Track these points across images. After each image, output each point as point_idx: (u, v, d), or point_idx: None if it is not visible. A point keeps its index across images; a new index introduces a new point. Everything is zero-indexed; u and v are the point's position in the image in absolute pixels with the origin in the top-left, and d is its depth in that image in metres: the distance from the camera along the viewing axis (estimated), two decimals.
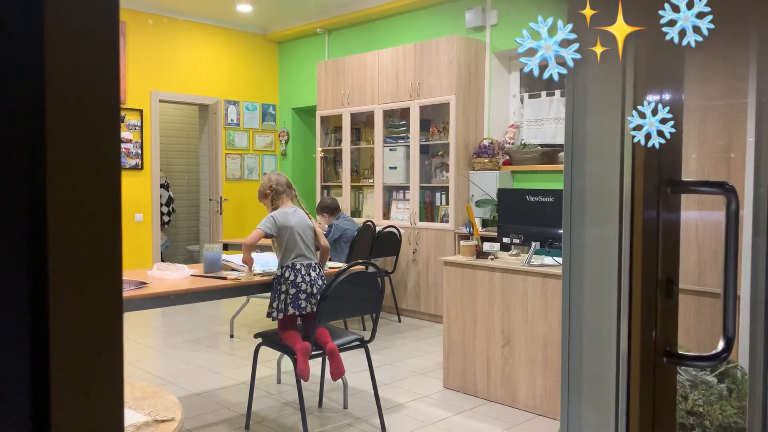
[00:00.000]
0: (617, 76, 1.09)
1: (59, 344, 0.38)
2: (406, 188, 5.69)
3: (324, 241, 3.11)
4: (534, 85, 5.44)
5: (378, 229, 5.18)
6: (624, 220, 1.14)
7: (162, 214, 7.17)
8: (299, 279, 2.97)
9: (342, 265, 3.50)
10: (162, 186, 7.09)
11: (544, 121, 5.28)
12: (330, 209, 4.98)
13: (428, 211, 5.56)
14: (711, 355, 1.19)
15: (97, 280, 0.39)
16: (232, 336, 4.88)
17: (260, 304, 5.69)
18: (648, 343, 1.15)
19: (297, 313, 2.95)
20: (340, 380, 3.47)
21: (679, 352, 1.21)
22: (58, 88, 0.36)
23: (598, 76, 1.08)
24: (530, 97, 5.39)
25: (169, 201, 7.40)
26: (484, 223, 5.22)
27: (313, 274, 3.01)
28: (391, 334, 4.92)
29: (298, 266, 2.99)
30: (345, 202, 6.14)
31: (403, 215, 5.69)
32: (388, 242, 5.26)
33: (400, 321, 5.38)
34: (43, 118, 0.36)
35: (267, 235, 3.01)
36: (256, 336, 3.09)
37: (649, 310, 1.14)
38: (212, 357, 4.38)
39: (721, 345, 1.21)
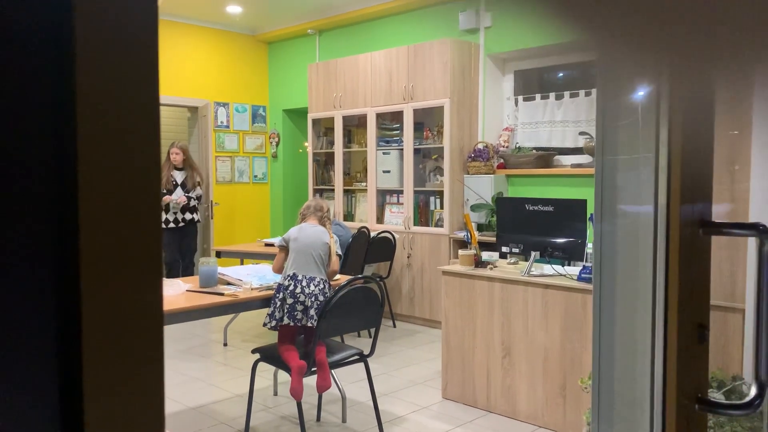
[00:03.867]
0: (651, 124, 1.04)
1: (91, 355, 0.37)
2: (399, 192, 5.65)
3: (334, 264, 3.11)
4: (528, 87, 5.41)
5: (372, 234, 5.12)
6: (658, 265, 1.09)
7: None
8: (298, 290, 2.94)
9: (337, 278, 3.45)
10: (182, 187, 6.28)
11: (539, 125, 5.25)
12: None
13: (422, 216, 5.53)
14: (745, 404, 1.15)
15: (135, 292, 0.38)
16: (225, 344, 4.81)
17: (254, 311, 5.62)
18: (681, 390, 1.11)
19: (291, 323, 2.91)
20: (338, 392, 3.42)
21: (712, 398, 1.17)
22: (90, 91, 0.36)
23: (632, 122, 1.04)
24: (525, 99, 5.35)
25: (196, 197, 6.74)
26: (480, 228, 5.19)
27: (313, 287, 2.97)
28: (386, 341, 4.88)
29: (299, 277, 2.97)
30: (338, 205, 6.08)
31: (397, 219, 5.64)
32: (383, 247, 5.22)
33: (395, 326, 5.34)
34: (75, 125, 0.36)
35: (281, 247, 3.08)
36: (253, 351, 3.03)
37: (683, 357, 1.10)
38: (206, 367, 4.31)
39: (753, 391, 1.17)
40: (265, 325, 3.01)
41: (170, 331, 5.21)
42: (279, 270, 3.08)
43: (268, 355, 3.02)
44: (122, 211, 0.37)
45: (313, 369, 2.87)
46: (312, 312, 2.90)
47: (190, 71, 6.76)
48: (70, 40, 0.35)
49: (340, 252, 3.25)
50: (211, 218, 6.71)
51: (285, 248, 3.08)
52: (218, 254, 5.18)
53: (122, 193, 0.36)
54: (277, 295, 2.97)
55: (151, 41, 0.38)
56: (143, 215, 0.37)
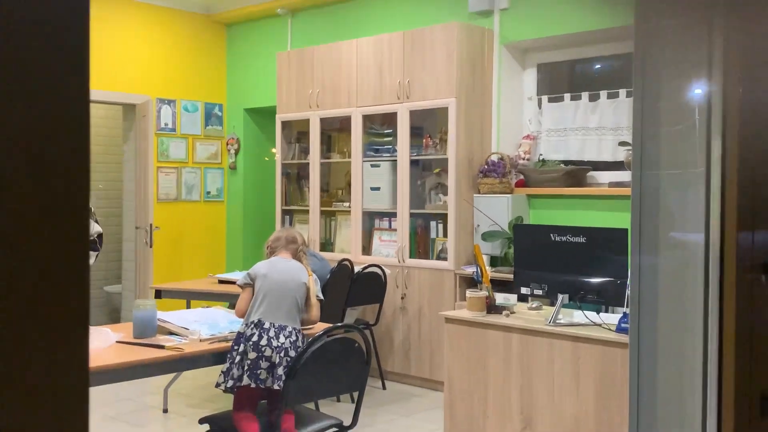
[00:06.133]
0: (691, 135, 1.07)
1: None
2: (392, 215, 5.67)
3: (314, 314, 3.14)
4: (555, 85, 5.48)
5: (356, 268, 5.13)
6: (710, 313, 1.11)
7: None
8: (264, 341, 2.95)
9: (313, 327, 3.45)
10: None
11: (568, 132, 5.32)
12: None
13: (421, 246, 5.54)
14: None
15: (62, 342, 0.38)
16: (166, 411, 4.78)
17: (204, 368, 5.59)
18: None
19: (253, 384, 2.91)
20: None
21: None
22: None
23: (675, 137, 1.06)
24: (550, 100, 5.43)
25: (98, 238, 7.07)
26: (493, 261, 5.21)
27: (283, 339, 2.98)
28: (373, 407, 4.86)
29: (266, 325, 2.98)
30: (313, 231, 6.10)
31: (389, 250, 5.65)
32: (370, 285, 5.22)
33: (384, 388, 5.32)
34: None
35: (245, 286, 3.11)
36: (201, 421, 3.01)
37: None
38: None
39: None
40: (218, 385, 3.00)
41: (94, 393, 5.17)
42: (243, 314, 3.09)
43: (220, 425, 2.99)
44: (39, 243, 0.36)
45: None
46: (280, 371, 2.91)
47: (127, 59, 6.81)
48: None
49: (321, 296, 3.28)
50: (150, 247, 6.69)
51: (251, 287, 3.09)
52: (158, 294, 5.16)
53: (40, 220, 0.36)
54: (236, 347, 2.97)
55: (81, 22, 0.38)
56: (66, 247, 0.37)
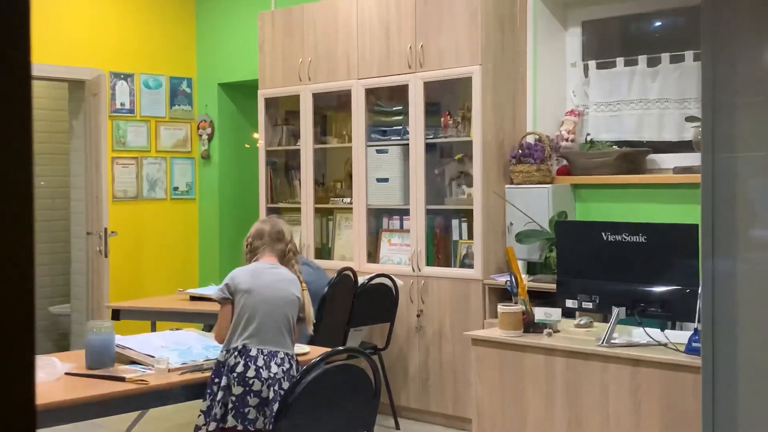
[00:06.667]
0: None
1: None
2: (404, 213, 5.67)
3: (304, 326, 3.15)
4: (605, 47, 5.47)
5: (361, 280, 5.14)
6: None
7: None
8: (251, 373, 2.96)
9: (305, 351, 3.46)
10: None
11: (622, 105, 5.31)
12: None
13: (441, 250, 5.54)
14: None
15: None
16: None
17: (174, 405, 5.60)
18: None
19: (240, 426, 2.92)
20: None
21: None
22: None
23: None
24: (599, 66, 5.41)
25: None
26: (531, 269, 5.20)
27: (275, 368, 2.99)
28: None
29: (252, 352, 2.99)
30: (306, 235, 6.11)
31: (401, 257, 5.66)
32: (378, 301, 5.23)
33: (398, 428, 5.33)
34: None
35: (223, 301, 3.13)
36: None
37: None
38: None
39: None
40: (198, 429, 3.00)
41: None
42: (221, 339, 3.11)
43: None
44: None
45: None
46: (275, 407, 2.92)
47: (73, 24, 6.83)
48: None
49: (313, 318, 3.31)
50: (105, 256, 6.72)
51: (230, 302, 3.09)
52: (116, 315, 5.18)
53: None
54: (216, 380, 2.97)
55: None
56: (6, 255, 0.38)
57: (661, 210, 4.91)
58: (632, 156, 5.16)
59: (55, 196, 7.93)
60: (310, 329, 3.24)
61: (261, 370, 2.96)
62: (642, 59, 5.24)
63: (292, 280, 3.17)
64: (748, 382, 1.07)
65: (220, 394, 2.95)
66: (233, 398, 2.94)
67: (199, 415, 3.02)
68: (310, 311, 3.25)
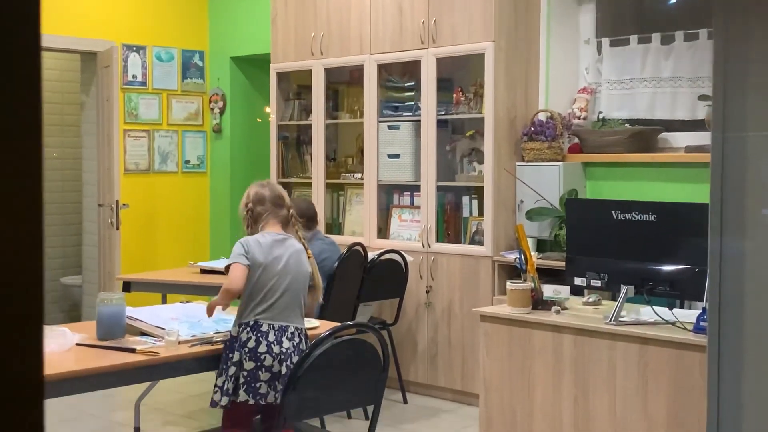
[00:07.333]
0: None
1: None
2: (415, 189, 5.68)
3: (316, 296, 3.14)
4: (619, 25, 5.43)
5: (371, 255, 5.15)
6: None
7: None
8: (262, 348, 2.97)
9: (314, 325, 3.47)
10: None
11: (635, 83, 5.28)
12: (304, 220, 4.93)
13: (451, 227, 5.54)
14: None
15: None
16: (137, 430, 4.83)
17: (184, 377, 5.64)
18: None
19: (252, 401, 2.93)
20: None
21: None
22: None
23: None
24: (613, 44, 5.38)
25: None
26: (540, 246, 5.20)
27: (286, 343, 3.00)
28: (393, 425, 4.89)
29: (264, 327, 3.00)
30: (319, 209, 6.11)
31: (411, 233, 5.66)
32: (387, 276, 5.25)
33: (405, 402, 5.35)
34: None
35: (245, 266, 3.06)
36: None
37: None
38: None
39: None
40: (215, 404, 3.02)
41: (51, 409, 5.24)
42: (241, 291, 3.04)
43: None
44: None
45: None
46: (281, 383, 2.94)
47: None
48: None
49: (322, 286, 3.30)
50: (116, 229, 6.75)
51: (248, 266, 3.07)
52: (127, 287, 5.21)
53: None
54: (230, 355, 2.98)
55: None
56: (15, 228, 0.38)
57: (673, 189, 4.89)
58: (644, 134, 5.14)
59: (67, 167, 7.96)
60: (320, 297, 3.23)
61: (272, 345, 2.97)
62: (656, 37, 5.20)
63: (301, 251, 3.16)
64: (753, 361, 1.08)
65: (232, 369, 2.96)
66: (245, 373, 2.95)
67: (215, 390, 3.02)
68: (319, 279, 3.25)
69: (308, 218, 4.95)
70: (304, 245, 3.21)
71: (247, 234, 3.23)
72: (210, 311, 3.15)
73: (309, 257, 3.20)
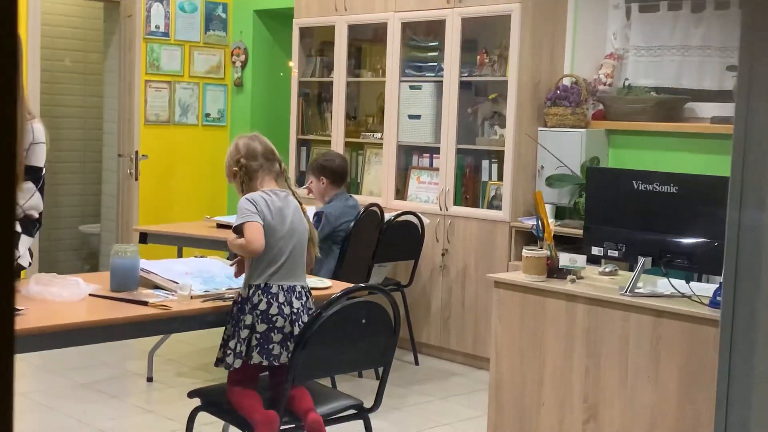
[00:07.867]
0: None
1: None
2: (434, 151, 5.66)
3: (313, 252, 3.12)
4: None
5: (387, 216, 5.15)
6: None
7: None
8: (274, 309, 2.96)
9: (327, 285, 3.47)
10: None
11: (663, 51, 5.22)
12: (333, 175, 4.91)
13: (469, 190, 5.53)
14: None
15: None
16: (150, 380, 4.90)
17: (196, 331, 5.69)
18: None
19: (265, 362, 2.94)
20: None
21: None
22: None
23: None
24: (642, 10, 5.30)
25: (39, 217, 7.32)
26: (559, 213, 5.18)
27: (297, 304, 3.00)
28: (402, 386, 4.92)
29: (274, 289, 2.99)
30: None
31: (429, 195, 5.66)
32: (403, 238, 5.25)
33: (417, 364, 5.39)
34: None
35: (254, 218, 2.99)
36: (191, 395, 3.08)
37: None
38: (119, 414, 4.37)
39: None
40: (219, 363, 3.01)
41: (64, 356, 5.30)
42: (260, 248, 2.97)
43: (213, 401, 3.05)
44: None
45: (290, 426, 2.90)
46: (293, 343, 2.93)
47: None
48: None
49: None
50: (135, 179, 6.77)
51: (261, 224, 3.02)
52: (143, 238, 5.24)
53: None
54: (242, 317, 2.97)
55: None
56: None
57: (697, 160, 4.84)
58: (670, 103, 5.08)
59: (89, 116, 7.99)
60: (317, 251, 3.18)
61: (283, 306, 2.97)
62: (686, 4, 5.12)
63: (298, 208, 3.13)
64: (766, 337, 1.05)
65: (245, 332, 2.95)
66: (257, 335, 2.94)
67: (220, 349, 3.02)
68: (314, 232, 3.21)
69: (339, 176, 4.93)
70: (298, 201, 3.15)
71: (239, 194, 3.14)
72: (239, 273, 3.14)
73: (304, 211, 3.15)
